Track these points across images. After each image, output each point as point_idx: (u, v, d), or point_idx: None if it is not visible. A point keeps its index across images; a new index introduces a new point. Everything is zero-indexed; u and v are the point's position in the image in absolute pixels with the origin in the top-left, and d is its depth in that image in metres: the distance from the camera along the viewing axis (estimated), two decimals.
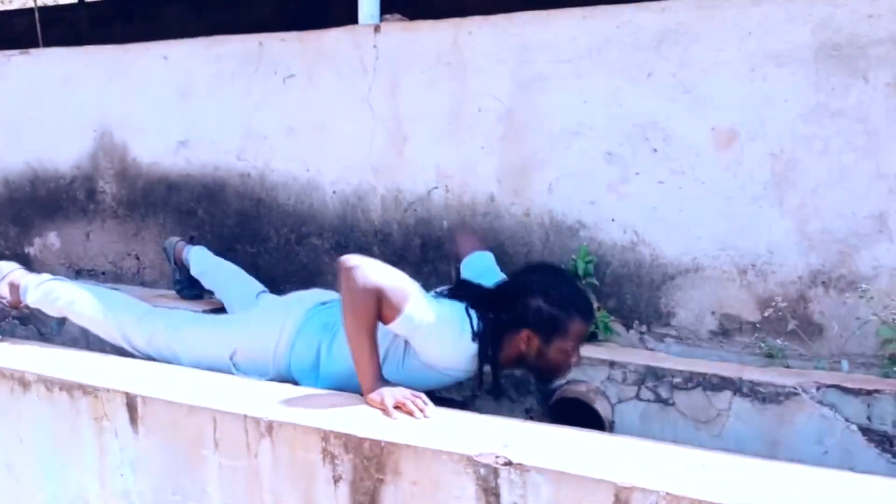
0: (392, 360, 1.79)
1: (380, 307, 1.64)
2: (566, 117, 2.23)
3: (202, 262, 2.53)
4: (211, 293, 2.55)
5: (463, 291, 1.86)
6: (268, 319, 1.99)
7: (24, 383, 1.84)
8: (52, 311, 2.17)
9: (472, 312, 1.77)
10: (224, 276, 2.44)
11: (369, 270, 1.64)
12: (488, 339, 1.75)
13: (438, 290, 1.91)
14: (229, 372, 1.93)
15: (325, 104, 2.57)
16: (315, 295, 2.06)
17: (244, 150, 2.73)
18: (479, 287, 1.89)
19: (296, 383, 1.86)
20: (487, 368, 1.80)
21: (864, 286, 1.91)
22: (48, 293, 2.14)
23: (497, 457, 1.33)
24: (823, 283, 1.98)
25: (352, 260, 1.66)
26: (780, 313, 1.99)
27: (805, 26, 1.95)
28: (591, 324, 1.83)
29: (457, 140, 2.38)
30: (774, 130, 2.00)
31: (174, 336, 2.03)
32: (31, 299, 2.14)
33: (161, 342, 2.03)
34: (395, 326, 1.67)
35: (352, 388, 1.72)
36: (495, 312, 1.78)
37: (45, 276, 2.22)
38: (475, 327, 1.74)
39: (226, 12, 5.76)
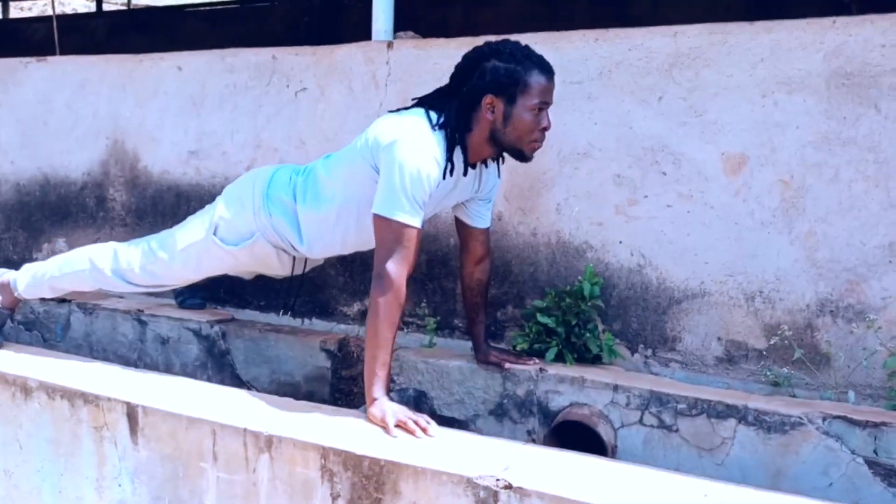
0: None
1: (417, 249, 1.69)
2: (576, 138, 2.23)
3: None
4: (214, 303, 2.55)
5: (420, 99, 1.84)
6: (236, 189, 2.02)
7: (25, 390, 1.83)
8: (45, 290, 2.17)
9: (434, 110, 1.75)
10: None
11: (392, 285, 1.65)
12: (453, 121, 1.73)
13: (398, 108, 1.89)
14: (221, 249, 1.95)
15: (336, 118, 2.59)
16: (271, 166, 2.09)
17: (254, 161, 2.74)
18: (434, 90, 1.86)
19: (289, 245, 1.93)
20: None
21: (872, 316, 1.89)
22: (34, 274, 2.14)
23: (497, 479, 1.32)
24: (831, 312, 1.96)
25: (378, 280, 1.67)
26: (786, 341, 1.98)
27: (817, 54, 1.95)
28: (551, 78, 1.76)
29: None
30: (784, 157, 2.00)
31: (162, 248, 2.03)
32: (23, 287, 2.13)
33: (153, 262, 2.03)
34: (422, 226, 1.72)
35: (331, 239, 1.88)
36: (455, 93, 1.76)
37: (27, 264, 2.22)
38: (435, 120, 1.73)
39: (240, 25, 5.83)
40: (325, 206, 1.88)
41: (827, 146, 1.95)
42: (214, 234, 1.98)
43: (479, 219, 2.01)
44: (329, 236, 1.92)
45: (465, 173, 1.82)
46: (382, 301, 1.64)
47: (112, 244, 2.15)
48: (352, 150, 1.84)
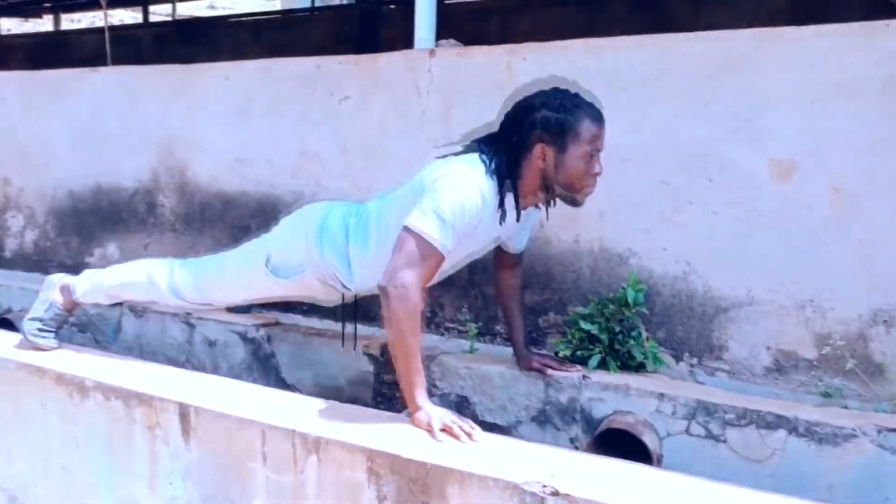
0: None
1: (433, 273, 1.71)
2: (620, 144, 2.21)
3: None
4: (259, 307, 2.60)
5: (473, 143, 1.85)
6: (291, 221, 2.06)
7: (82, 389, 1.89)
8: (103, 298, 2.25)
9: (486, 155, 1.76)
10: None
11: (405, 291, 1.64)
12: (505, 169, 1.74)
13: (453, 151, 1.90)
14: (271, 279, 1.99)
15: (378, 126, 2.62)
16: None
17: (299, 168, 2.79)
18: (486, 134, 1.87)
19: (338, 282, 1.95)
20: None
21: None
22: (93, 281, 2.22)
23: (544, 486, 1.31)
24: (885, 321, 1.91)
25: (388, 284, 1.66)
26: (838, 352, 1.93)
27: (870, 58, 1.91)
28: (601, 125, 1.77)
29: None
30: (837, 163, 1.96)
31: (217, 270, 2.09)
32: (81, 292, 2.21)
33: (207, 282, 2.10)
34: (447, 253, 1.70)
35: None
36: (506, 142, 1.77)
37: (87, 270, 2.30)
38: (490, 164, 1.74)
39: (282, 35, 5.94)
40: (376, 247, 1.89)
41: (882, 152, 1.91)
42: (266, 263, 2.02)
43: (516, 245, 2.03)
44: (378, 275, 1.84)
45: (517, 219, 1.84)
46: (401, 310, 1.63)
47: (170, 260, 2.21)
48: (404, 191, 1.85)
